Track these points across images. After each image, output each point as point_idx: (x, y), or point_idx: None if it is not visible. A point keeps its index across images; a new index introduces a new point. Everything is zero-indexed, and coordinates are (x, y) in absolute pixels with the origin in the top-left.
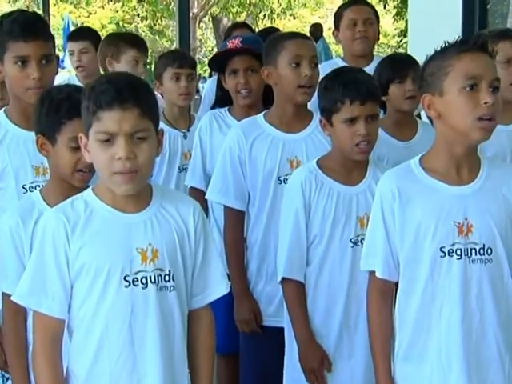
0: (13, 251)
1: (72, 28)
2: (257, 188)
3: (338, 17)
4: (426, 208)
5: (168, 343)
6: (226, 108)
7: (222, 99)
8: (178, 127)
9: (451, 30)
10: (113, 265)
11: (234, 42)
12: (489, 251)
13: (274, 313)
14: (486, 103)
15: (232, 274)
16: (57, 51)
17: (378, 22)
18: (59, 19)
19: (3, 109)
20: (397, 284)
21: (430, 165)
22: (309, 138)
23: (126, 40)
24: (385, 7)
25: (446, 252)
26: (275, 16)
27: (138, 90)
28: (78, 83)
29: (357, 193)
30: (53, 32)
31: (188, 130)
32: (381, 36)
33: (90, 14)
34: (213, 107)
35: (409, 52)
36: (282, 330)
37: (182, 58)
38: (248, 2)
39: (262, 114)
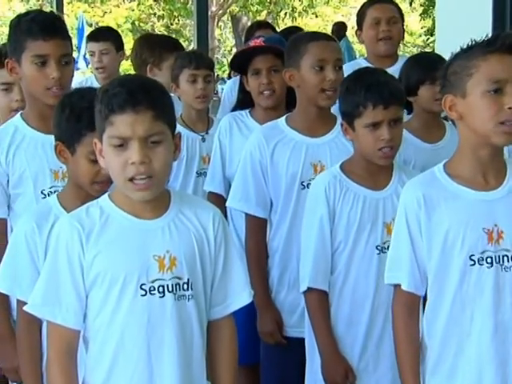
0: (27, 257)
1: (86, 28)
2: (279, 194)
3: (360, 16)
4: (452, 215)
5: (186, 354)
6: (247, 110)
7: (244, 101)
8: (196, 130)
9: (481, 28)
10: (129, 273)
11: (257, 42)
12: None
13: (296, 323)
14: (510, 108)
15: (254, 283)
16: None
17: (403, 20)
18: (73, 18)
19: (19, 113)
20: (423, 298)
21: (455, 170)
22: (333, 142)
23: (168, 45)
24: (411, 5)
25: (476, 260)
26: (296, 14)
27: (151, 92)
28: (95, 84)
29: (383, 197)
30: None
31: (206, 133)
32: (406, 35)
33: (105, 13)
34: (234, 109)
35: (436, 51)
36: (304, 340)
37: (198, 59)
38: (268, 0)
39: (284, 117)
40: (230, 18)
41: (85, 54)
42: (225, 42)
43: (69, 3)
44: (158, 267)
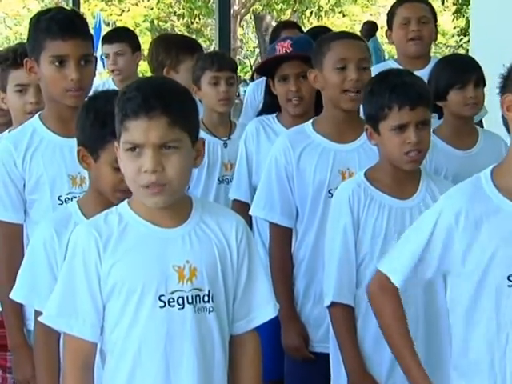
0: (46, 266)
1: (104, 27)
2: (305, 202)
3: (390, 15)
4: (492, 234)
5: (206, 370)
6: (274, 115)
7: (270, 105)
8: (218, 135)
9: None
10: (147, 283)
11: (284, 46)
12: None
13: (322, 338)
14: None
15: (278, 295)
16: None
17: (435, 20)
18: (89, 17)
19: (37, 114)
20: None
21: (504, 181)
22: (361, 148)
23: (185, 46)
24: (443, 3)
25: None
26: (323, 14)
27: (167, 96)
28: (113, 88)
29: (410, 207)
30: None
31: (229, 138)
32: (438, 35)
33: (123, 11)
34: (260, 113)
35: (470, 52)
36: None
37: (221, 60)
38: None
39: (311, 121)
40: (252, 17)
41: (102, 54)
42: (247, 43)
43: (85, 1)
44: (177, 278)
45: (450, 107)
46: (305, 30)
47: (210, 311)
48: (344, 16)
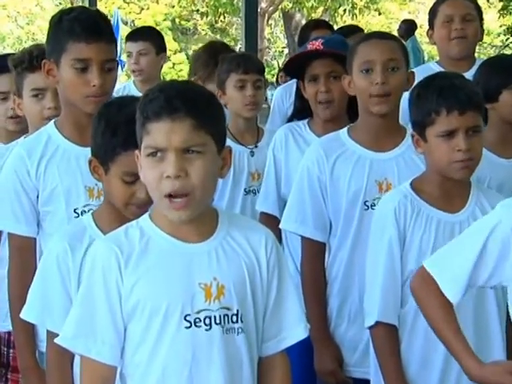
0: (59, 283)
1: (121, 26)
2: (339, 214)
3: (432, 13)
4: None
5: None
6: (305, 121)
7: (301, 110)
8: (244, 142)
9: None
10: (172, 303)
11: (315, 44)
12: None
13: (358, 362)
14: None
15: (310, 314)
16: None
17: (481, 18)
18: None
19: (53, 120)
20: None
21: None
22: (400, 157)
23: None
24: (488, 0)
25: None
26: (357, 11)
27: (192, 98)
28: (133, 92)
29: (459, 221)
30: None
31: (255, 146)
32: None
33: (142, 9)
34: (290, 120)
35: None
36: (367, 382)
37: (247, 62)
38: None
39: (346, 128)
40: (281, 16)
41: (120, 55)
42: (275, 43)
43: None
44: (204, 296)
45: (500, 109)
46: (337, 28)
47: (238, 332)
48: (380, 14)
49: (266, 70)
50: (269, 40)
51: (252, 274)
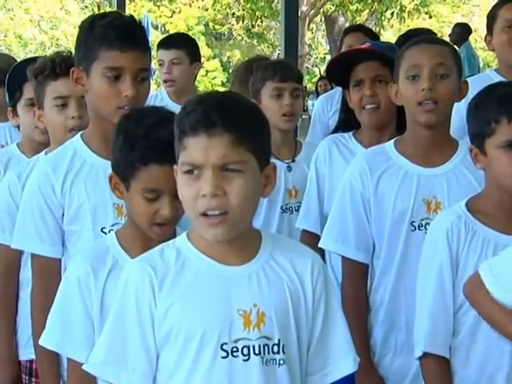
0: (81, 308)
1: (151, 31)
2: (383, 235)
3: (491, 17)
4: None
5: None
6: (351, 132)
7: (346, 121)
8: (281, 157)
9: None
10: (208, 330)
11: (361, 47)
12: None
13: None
14: None
15: None
16: None
17: None
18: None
19: (80, 133)
20: None
21: None
22: (452, 173)
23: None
24: None
25: None
26: (406, 14)
27: (231, 111)
28: (166, 100)
29: None
30: None
31: (293, 160)
32: None
33: (174, 12)
34: (334, 131)
35: None
36: None
37: (284, 70)
38: None
39: (393, 141)
40: (323, 19)
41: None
42: (317, 48)
43: (131, 1)
44: (242, 324)
45: None
46: (384, 33)
47: (280, 364)
48: (431, 17)
49: (307, 77)
50: (310, 46)
51: (296, 301)
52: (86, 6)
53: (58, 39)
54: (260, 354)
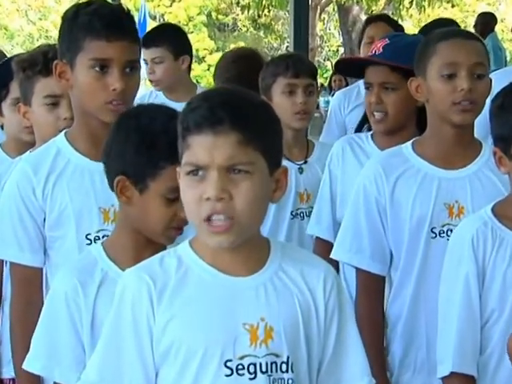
0: (69, 326)
1: (149, 21)
2: (401, 243)
3: None
4: None
5: None
6: (369, 133)
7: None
8: (292, 158)
9: None
10: (210, 345)
11: (377, 46)
12: None
13: None
14: None
15: None
16: None
17: None
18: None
19: (64, 131)
20: None
21: None
22: (475, 176)
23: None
24: None
25: None
26: (426, 3)
27: (239, 107)
28: (162, 99)
29: None
30: None
31: (305, 162)
32: None
33: (173, 1)
34: (357, 130)
35: None
36: None
37: (297, 65)
38: None
39: (410, 142)
40: (336, 9)
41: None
42: (329, 41)
43: None
44: (248, 339)
45: None
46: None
47: None
48: (453, 6)
49: (318, 72)
50: (321, 37)
51: (307, 315)
52: None
53: (47, 31)
54: (267, 372)
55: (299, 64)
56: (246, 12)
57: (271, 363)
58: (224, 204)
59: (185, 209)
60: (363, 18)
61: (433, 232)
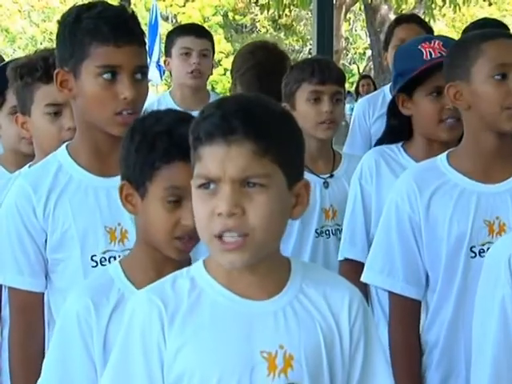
0: (81, 348)
1: (161, 22)
2: (438, 265)
3: None
4: None
5: None
6: (399, 144)
7: (396, 131)
8: (317, 171)
9: None
10: (225, 375)
11: (433, 47)
12: None
13: None
14: None
15: None
16: None
17: None
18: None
19: (65, 145)
20: None
21: None
22: None
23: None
24: None
25: None
26: (460, 2)
27: (255, 116)
28: (171, 105)
29: None
30: None
31: (331, 176)
32: None
33: (187, 1)
34: (380, 142)
35: None
36: None
37: (324, 70)
38: None
39: (445, 154)
40: (363, 9)
41: (158, 59)
42: (355, 42)
43: None
44: (266, 368)
45: None
46: (434, 24)
47: None
48: (490, 4)
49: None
50: (347, 39)
51: (330, 342)
52: None
53: (51, 33)
54: None
55: (326, 69)
56: (265, 12)
57: None
58: (237, 220)
59: (196, 225)
60: (392, 17)
61: (472, 251)
